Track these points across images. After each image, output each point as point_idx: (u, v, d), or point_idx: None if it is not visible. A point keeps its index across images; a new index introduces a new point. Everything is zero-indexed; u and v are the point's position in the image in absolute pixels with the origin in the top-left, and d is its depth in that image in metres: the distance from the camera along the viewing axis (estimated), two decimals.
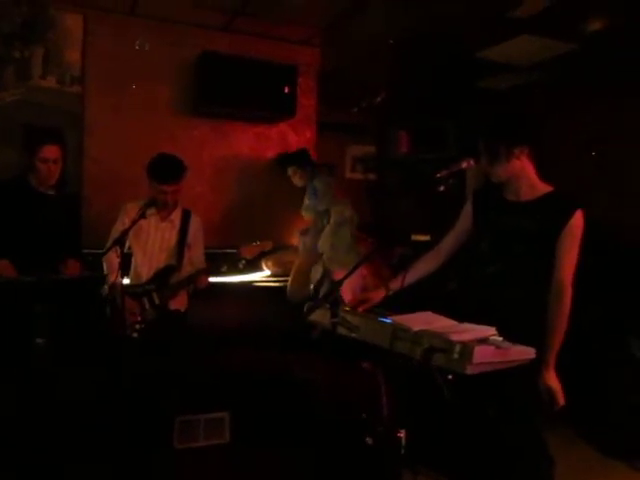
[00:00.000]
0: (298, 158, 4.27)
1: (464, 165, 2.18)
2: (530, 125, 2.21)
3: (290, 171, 4.26)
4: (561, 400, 2.06)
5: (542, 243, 2.10)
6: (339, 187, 4.40)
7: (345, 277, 2.17)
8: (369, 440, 2.35)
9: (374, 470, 2.37)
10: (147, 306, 3.19)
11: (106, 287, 3.05)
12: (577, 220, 2.09)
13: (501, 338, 1.80)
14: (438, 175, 2.13)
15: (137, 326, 3.04)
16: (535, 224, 2.11)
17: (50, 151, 3.03)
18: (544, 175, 2.22)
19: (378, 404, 2.29)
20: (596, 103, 4.61)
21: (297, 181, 4.27)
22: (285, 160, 4.34)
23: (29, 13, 3.81)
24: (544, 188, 2.19)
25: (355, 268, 2.20)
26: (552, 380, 2.06)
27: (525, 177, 2.18)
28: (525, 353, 1.80)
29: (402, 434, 2.06)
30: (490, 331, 1.81)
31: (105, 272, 3.22)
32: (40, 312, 2.53)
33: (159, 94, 4.20)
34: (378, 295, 2.26)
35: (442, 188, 2.12)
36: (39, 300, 2.58)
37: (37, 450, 2.45)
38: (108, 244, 3.16)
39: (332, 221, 4.16)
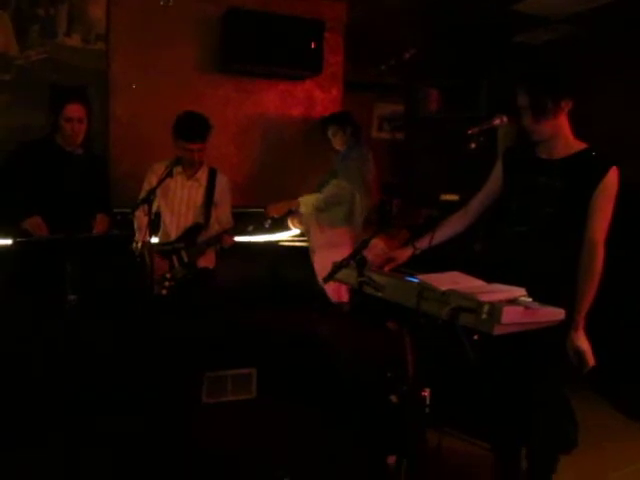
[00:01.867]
0: (341, 118, 4.07)
1: (496, 122, 2.11)
2: (575, 76, 2.11)
3: (331, 131, 4.03)
4: (591, 361, 2.03)
5: (575, 202, 2.04)
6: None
7: (372, 237, 2.15)
8: (393, 398, 2.36)
9: (398, 428, 2.40)
10: (176, 264, 3.24)
11: (136, 245, 3.10)
12: (611, 178, 2.01)
13: (530, 299, 1.78)
14: (469, 132, 2.07)
15: (166, 283, 3.09)
16: (567, 182, 2.05)
17: (74, 110, 3.04)
18: (579, 135, 2.14)
19: (403, 363, 2.30)
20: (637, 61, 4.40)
21: (337, 142, 4.04)
22: (329, 119, 4.11)
23: None
24: (578, 145, 2.11)
25: (381, 230, 2.18)
26: (581, 341, 2.03)
27: (563, 134, 2.10)
28: (554, 314, 1.77)
29: (427, 393, 2.08)
30: (519, 291, 1.79)
31: (134, 230, 3.27)
32: (71, 269, 2.58)
33: (184, 51, 4.15)
34: (404, 254, 2.25)
35: (473, 146, 2.06)
36: (69, 257, 2.63)
37: (72, 401, 2.55)
38: (137, 203, 3.19)
39: (323, 196, 3.85)
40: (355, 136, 4.04)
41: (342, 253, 2.20)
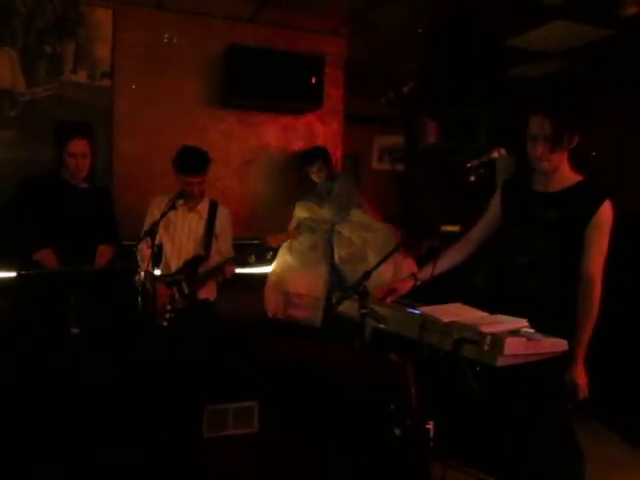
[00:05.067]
0: (325, 154, 4.19)
1: (495, 155, 2.14)
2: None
3: (316, 166, 4.14)
4: (583, 395, 2.02)
5: (569, 235, 2.05)
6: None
7: (374, 269, 2.16)
8: (397, 431, 2.34)
9: (402, 461, 2.37)
10: (177, 295, 3.24)
11: (139, 277, 3.11)
12: (605, 211, 2.03)
13: (533, 330, 1.77)
14: (468, 165, 2.10)
15: (167, 315, 3.08)
16: (561, 215, 2.06)
17: (78, 145, 3.10)
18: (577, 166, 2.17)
19: (406, 396, 2.28)
20: (634, 92, 4.47)
21: (320, 177, 4.17)
22: (314, 155, 4.20)
23: (62, 9, 3.87)
24: (574, 177, 2.13)
25: (386, 258, 2.20)
26: (579, 375, 2.02)
27: (562, 167, 2.12)
28: (557, 345, 1.77)
29: (430, 426, 2.06)
30: (521, 323, 1.79)
31: (138, 263, 3.28)
32: (75, 303, 2.58)
33: (187, 87, 4.23)
34: (406, 285, 2.25)
35: (472, 178, 2.09)
36: (73, 290, 2.64)
37: (70, 435, 2.52)
38: (140, 236, 3.21)
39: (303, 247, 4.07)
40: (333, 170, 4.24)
41: None
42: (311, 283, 4.02)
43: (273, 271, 4.08)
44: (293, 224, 4.15)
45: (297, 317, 3.98)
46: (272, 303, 4.03)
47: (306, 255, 4.04)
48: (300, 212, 4.17)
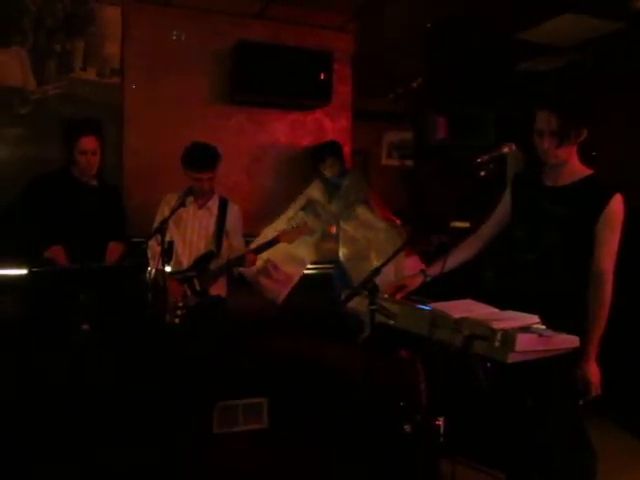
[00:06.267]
0: (338, 149, 4.19)
1: (505, 150, 2.13)
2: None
3: (329, 161, 4.13)
4: (595, 392, 2.00)
5: (578, 230, 2.03)
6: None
7: (383, 265, 2.16)
8: (407, 428, 2.34)
9: (412, 458, 2.37)
10: (188, 292, 3.25)
11: (149, 274, 3.12)
12: (615, 205, 2.00)
13: (544, 326, 1.77)
14: (479, 160, 2.08)
15: (179, 312, 3.09)
16: (570, 210, 2.04)
17: (88, 142, 3.11)
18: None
19: (416, 392, 2.28)
20: None
21: (332, 172, 4.16)
22: (326, 151, 4.19)
23: (71, 7, 3.89)
24: (583, 171, 2.10)
25: (394, 255, 2.19)
26: (591, 371, 2.00)
27: (571, 161, 2.10)
28: (568, 342, 1.76)
29: (440, 422, 2.05)
30: (533, 319, 1.78)
31: (148, 260, 3.30)
32: (85, 299, 2.60)
33: (196, 84, 4.24)
34: (415, 282, 2.24)
35: (482, 174, 2.07)
36: (83, 287, 2.66)
37: (81, 433, 2.54)
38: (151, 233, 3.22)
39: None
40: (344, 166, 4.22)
41: None
42: (292, 263, 3.98)
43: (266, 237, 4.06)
44: (302, 201, 4.11)
45: (263, 285, 3.91)
46: None
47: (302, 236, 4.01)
48: (314, 192, 4.14)
